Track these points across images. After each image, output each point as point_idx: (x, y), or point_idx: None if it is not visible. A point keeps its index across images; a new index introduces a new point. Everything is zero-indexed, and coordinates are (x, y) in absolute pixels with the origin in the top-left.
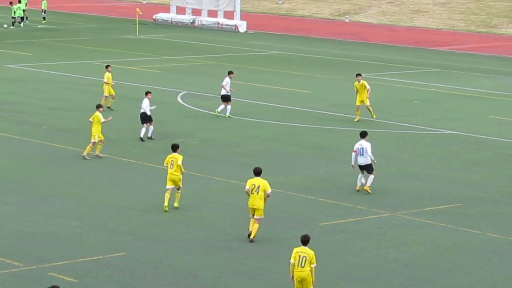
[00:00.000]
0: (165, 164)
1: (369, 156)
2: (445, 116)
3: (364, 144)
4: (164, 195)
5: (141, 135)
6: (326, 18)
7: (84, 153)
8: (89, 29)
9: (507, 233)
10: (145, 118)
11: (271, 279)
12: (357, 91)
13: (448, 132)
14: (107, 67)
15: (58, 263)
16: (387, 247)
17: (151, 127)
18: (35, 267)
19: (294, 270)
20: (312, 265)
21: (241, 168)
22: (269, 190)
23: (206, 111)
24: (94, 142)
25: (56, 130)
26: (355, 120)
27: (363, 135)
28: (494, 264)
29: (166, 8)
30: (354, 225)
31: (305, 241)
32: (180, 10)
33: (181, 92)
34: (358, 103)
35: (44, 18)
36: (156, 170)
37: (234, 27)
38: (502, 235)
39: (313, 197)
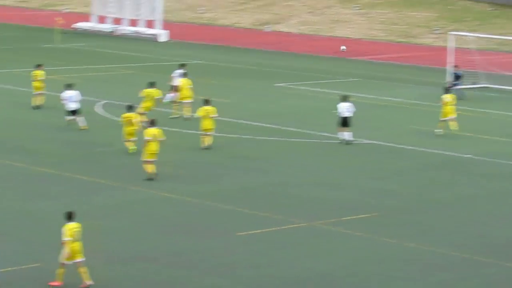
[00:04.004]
0: (199, 115)
1: None
2: (364, 126)
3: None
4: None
5: None
6: (247, 27)
7: None
8: (10, 38)
9: (423, 242)
10: None
11: None
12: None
13: (367, 141)
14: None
15: None
16: (304, 257)
17: None
18: None
19: (72, 246)
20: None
21: (160, 178)
22: None
23: None
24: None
25: None
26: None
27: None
28: (410, 274)
29: (86, 17)
30: (272, 235)
31: (72, 216)
32: (101, 19)
33: (101, 101)
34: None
35: None
36: (73, 180)
37: (155, 37)
38: (419, 245)
39: (231, 207)
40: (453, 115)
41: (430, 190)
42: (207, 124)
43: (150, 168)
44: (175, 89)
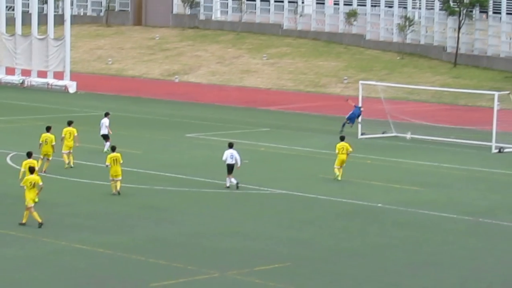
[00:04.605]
0: (107, 163)
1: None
2: (275, 176)
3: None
4: (111, 186)
5: None
6: (156, 78)
7: None
8: None
9: None
10: None
11: None
12: (63, 138)
13: (278, 191)
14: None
15: None
16: None
17: None
18: None
19: None
20: None
21: (71, 229)
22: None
23: None
24: None
25: None
26: (66, 167)
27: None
28: None
29: None
30: (185, 285)
31: None
32: (10, 71)
33: (10, 153)
34: (65, 149)
35: None
36: None
37: (64, 88)
38: None
39: (143, 258)
40: (342, 164)
41: (342, 239)
42: (116, 170)
43: (35, 216)
44: (106, 137)
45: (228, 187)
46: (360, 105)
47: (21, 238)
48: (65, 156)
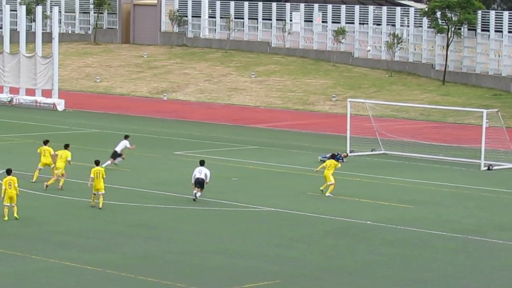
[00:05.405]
0: (91, 176)
1: None
2: (264, 193)
3: None
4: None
5: None
6: (144, 96)
7: None
8: None
9: None
10: None
11: None
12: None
13: (267, 209)
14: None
15: None
16: None
17: None
18: None
19: None
20: None
21: (60, 247)
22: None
23: (25, 190)
24: None
25: None
26: (32, 181)
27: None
28: None
29: None
30: None
31: None
32: None
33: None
34: (41, 165)
35: None
36: None
37: (52, 106)
38: None
39: (132, 275)
40: (330, 181)
41: (331, 256)
42: (98, 184)
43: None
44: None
45: (195, 199)
46: (348, 152)
47: (10, 256)
48: (36, 172)
